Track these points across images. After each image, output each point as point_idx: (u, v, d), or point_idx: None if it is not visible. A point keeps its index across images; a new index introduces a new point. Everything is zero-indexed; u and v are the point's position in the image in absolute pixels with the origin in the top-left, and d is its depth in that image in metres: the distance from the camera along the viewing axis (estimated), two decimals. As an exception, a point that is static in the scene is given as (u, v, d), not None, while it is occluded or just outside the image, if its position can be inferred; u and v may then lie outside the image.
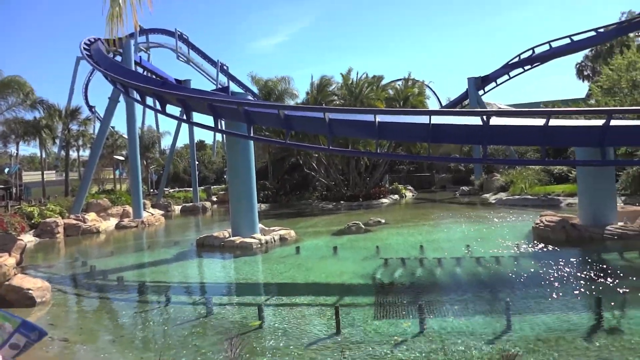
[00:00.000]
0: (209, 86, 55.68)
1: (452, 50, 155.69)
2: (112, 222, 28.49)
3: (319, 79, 37.20)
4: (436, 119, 13.08)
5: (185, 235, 23.35)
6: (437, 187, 51.32)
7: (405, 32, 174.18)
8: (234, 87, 48.67)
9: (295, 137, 28.68)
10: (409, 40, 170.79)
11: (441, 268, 12.16)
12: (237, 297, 10.73)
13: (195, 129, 40.04)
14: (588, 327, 7.23)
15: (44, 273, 14.28)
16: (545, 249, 13.90)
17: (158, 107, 18.44)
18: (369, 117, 13.88)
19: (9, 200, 37.64)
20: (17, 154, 50.56)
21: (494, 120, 12.99)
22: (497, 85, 44.66)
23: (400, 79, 44.97)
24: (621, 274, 10.22)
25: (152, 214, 31.66)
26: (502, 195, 31.93)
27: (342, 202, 34.32)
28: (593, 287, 9.39)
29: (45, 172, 49.39)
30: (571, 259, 12.12)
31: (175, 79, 35.34)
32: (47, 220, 24.35)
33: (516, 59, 41.40)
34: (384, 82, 38.75)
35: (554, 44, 38.09)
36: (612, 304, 8.17)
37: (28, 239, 21.41)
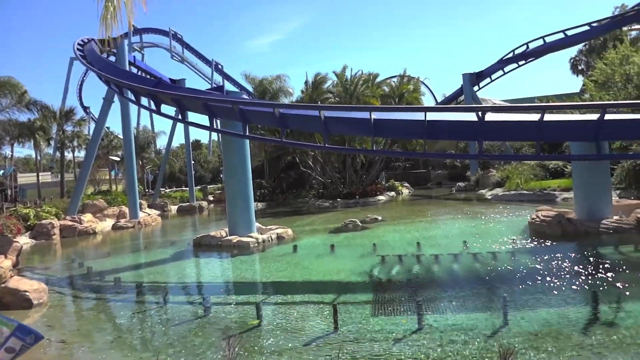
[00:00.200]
0: (204, 85, 55.51)
1: (447, 46, 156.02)
2: (109, 223, 28.40)
3: (314, 76, 37.16)
4: (432, 116, 13.09)
5: (182, 235, 23.31)
6: (433, 184, 51.44)
7: (401, 30, 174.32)
8: (229, 86, 48.64)
9: (291, 136, 28.73)
10: (404, 38, 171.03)
11: (438, 264, 12.19)
12: (235, 296, 10.72)
13: (191, 128, 39.97)
14: (585, 322, 7.27)
15: (40, 275, 14.22)
16: (541, 244, 13.96)
17: (153, 107, 18.38)
18: (364, 115, 13.89)
19: (4, 202, 37.43)
20: (11, 155, 50.32)
21: (489, 116, 13.03)
22: (492, 80, 44.72)
23: (396, 76, 44.99)
24: (617, 268, 10.28)
25: (149, 214, 31.59)
26: (498, 191, 32.04)
27: (338, 199, 34.35)
28: (589, 281, 9.44)
29: (40, 173, 49.14)
30: (567, 254, 12.18)
31: (170, 79, 35.22)
32: (43, 222, 24.26)
33: (510, 55, 41.45)
34: (379, 79, 38.81)
35: (548, 39, 38.14)
36: (609, 298, 8.22)
37: (24, 241, 21.34)
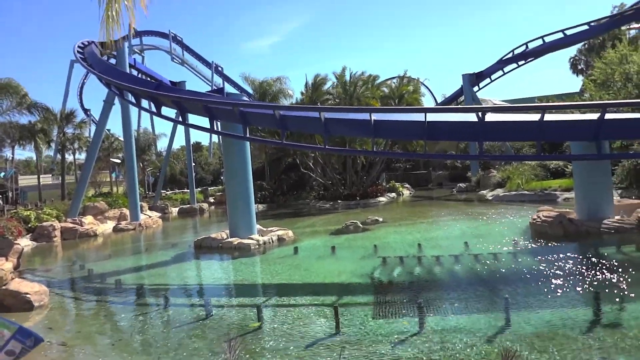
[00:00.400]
0: (204, 87, 55.68)
1: (447, 47, 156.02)
2: (110, 225, 28.41)
3: (314, 78, 37.15)
4: (432, 117, 13.09)
5: (183, 237, 23.30)
6: (434, 185, 51.40)
7: (400, 30, 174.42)
8: (229, 88, 48.65)
9: (291, 137, 28.69)
10: (404, 38, 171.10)
11: (440, 266, 12.17)
12: (236, 299, 10.71)
13: (192, 130, 39.94)
14: (588, 323, 7.24)
15: (41, 277, 14.21)
16: (543, 245, 13.93)
17: (153, 109, 18.39)
18: (364, 116, 13.88)
19: (5, 205, 37.44)
20: (12, 158, 50.37)
21: (490, 117, 13.02)
22: (492, 81, 44.76)
23: (395, 77, 45.00)
24: (619, 268, 10.26)
25: (150, 217, 31.59)
26: (499, 192, 32.01)
27: (339, 201, 34.32)
28: (591, 281, 9.42)
29: (41, 175, 49.16)
30: (569, 254, 12.15)
31: (170, 81, 35.17)
32: (44, 224, 24.26)
33: (510, 55, 41.48)
34: (379, 80, 38.79)
35: (547, 39, 38.15)
36: (611, 298, 8.20)
37: (25, 243, 21.34)
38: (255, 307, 8.72)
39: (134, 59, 38.15)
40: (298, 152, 37.90)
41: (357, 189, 36.03)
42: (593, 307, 7.70)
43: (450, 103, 48.55)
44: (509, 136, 16.48)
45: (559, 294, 8.73)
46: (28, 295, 10.31)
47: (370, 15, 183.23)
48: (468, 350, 6.41)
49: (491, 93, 50.85)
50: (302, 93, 38.29)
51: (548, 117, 12.66)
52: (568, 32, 36.54)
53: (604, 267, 10.46)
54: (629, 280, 9.25)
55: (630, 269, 10.15)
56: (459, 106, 40.94)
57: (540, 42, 38.68)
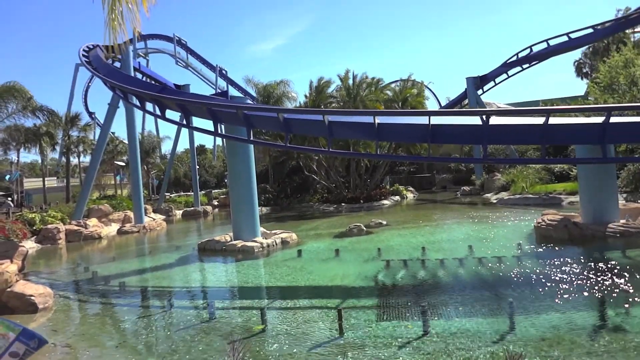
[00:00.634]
0: (208, 91, 55.81)
1: (451, 50, 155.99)
2: (114, 228, 28.50)
3: (317, 81, 37.17)
4: (436, 120, 13.07)
5: (187, 239, 23.33)
6: (438, 188, 51.25)
7: (404, 33, 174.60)
8: (233, 91, 48.85)
9: (295, 140, 28.72)
10: (408, 40, 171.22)
11: (444, 269, 12.14)
12: (240, 301, 10.72)
13: (196, 133, 40.08)
14: (593, 327, 7.20)
15: (46, 279, 14.27)
16: (547, 248, 13.87)
17: (158, 112, 18.46)
18: (368, 119, 13.88)
19: (10, 207, 37.60)
20: (17, 161, 50.57)
21: (494, 120, 12.98)
22: (496, 84, 44.69)
23: (399, 80, 45.01)
24: (624, 272, 10.19)
25: (154, 219, 31.65)
26: (504, 195, 31.90)
27: (343, 204, 34.29)
28: (596, 286, 9.37)
29: (46, 178, 49.38)
30: (574, 258, 12.09)
31: (175, 84, 35.36)
32: (49, 226, 24.38)
33: (514, 58, 41.40)
34: (382, 83, 38.78)
35: (552, 42, 38.06)
36: (617, 302, 8.15)
37: (30, 245, 21.41)
38: (259, 310, 8.72)
39: (139, 62, 38.37)
40: (302, 155, 37.90)
41: (360, 192, 36.00)
42: (598, 311, 7.65)
43: (454, 106, 48.44)
44: (513, 139, 16.44)
45: (564, 298, 8.68)
46: (32, 297, 10.35)
47: (374, 18, 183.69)
48: (473, 353, 6.38)
49: (495, 96, 51.05)
50: (305, 96, 38.33)
51: (552, 120, 12.61)
52: (573, 36, 36.48)
53: (609, 271, 10.40)
54: (634, 284, 9.19)
55: (636, 273, 10.08)
56: (463, 109, 40.88)
57: (544, 45, 38.60)
